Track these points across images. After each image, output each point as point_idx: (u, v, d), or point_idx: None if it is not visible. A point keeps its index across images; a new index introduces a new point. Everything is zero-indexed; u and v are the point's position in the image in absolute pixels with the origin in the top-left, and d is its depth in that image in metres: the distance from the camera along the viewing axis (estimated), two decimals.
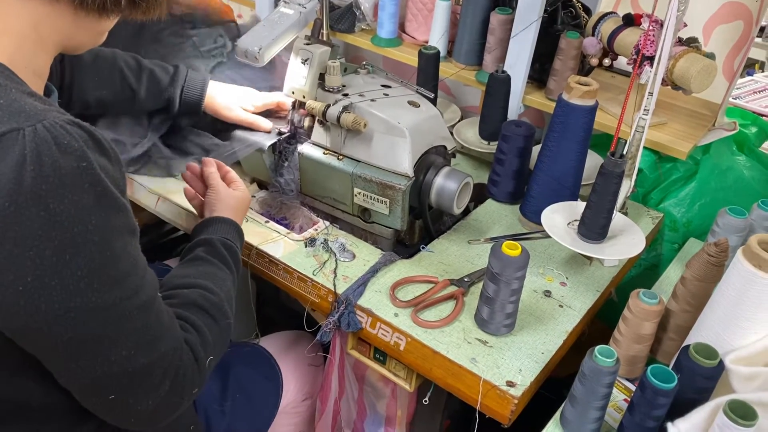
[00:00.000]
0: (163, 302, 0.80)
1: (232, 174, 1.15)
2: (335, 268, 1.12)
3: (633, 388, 0.95)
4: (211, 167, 1.13)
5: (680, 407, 0.79)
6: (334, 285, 1.08)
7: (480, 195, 1.36)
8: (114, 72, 1.22)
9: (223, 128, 1.32)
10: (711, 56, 1.26)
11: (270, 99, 1.31)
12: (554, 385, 1.19)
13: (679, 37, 1.26)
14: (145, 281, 0.74)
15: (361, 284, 1.08)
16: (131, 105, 1.25)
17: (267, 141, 1.27)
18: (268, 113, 1.33)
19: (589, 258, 1.18)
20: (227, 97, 1.30)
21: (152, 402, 0.76)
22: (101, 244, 0.67)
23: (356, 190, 1.18)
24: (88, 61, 1.18)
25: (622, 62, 1.40)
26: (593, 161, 1.31)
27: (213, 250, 0.97)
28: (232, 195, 1.10)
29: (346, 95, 1.19)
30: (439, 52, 1.38)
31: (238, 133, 1.31)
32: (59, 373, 0.73)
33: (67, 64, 1.16)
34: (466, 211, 1.28)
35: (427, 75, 1.38)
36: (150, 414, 0.78)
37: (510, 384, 0.93)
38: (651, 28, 1.21)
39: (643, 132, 1.14)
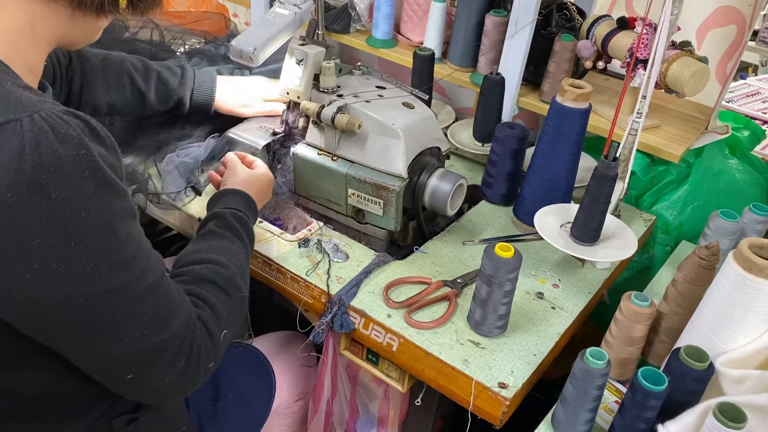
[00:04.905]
0: (175, 280, 0.81)
1: (252, 159, 1.17)
2: (329, 269, 1.12)
3: (624, 390, 0.96)
4: (232, 155, 1.16)
5: (671, 409, 0.79)
6: (328, 286, 1.08)
7: (473, 196, 1.37)
8: (122, 75, 1.22)
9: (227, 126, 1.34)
10: (704, 60, 1.26)
11: (278, 98, 1.34)
12: (546, 387, 1.20)
13: (672, 41, 1.27)
14: (151, 262, 0.75)
15: (355, 285, 1.08)
16: (141, 108, 1.26)
17: (261, 141, 1.27)
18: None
19: (582, 260, 1.18)
20: (240, 95, 1.33)
21: (169, 379, 0.77)
22: (105, 229, 0.68)
23: (350, 191, 1.18)
24: (96, 66, 1.19)
25: (615, 65, 1.40)
26: (586, 163, 1.32)
27: (224, 222, 0.97)
28: (246, 171, 1.11)
29: (340, 96, 1.19)
30: (433, 54, 1.38)
31: (231, 134, 1.31)
32: (74, 357, 0.74)
33: (76, 70, 1.16)
34: (460, 213, 1.28)
35: (421, 76, 1.39)
36: (169, 390, 0.79)
37: (502, 385, 0.93)
38: (645, 31, 1.21)
39: (636, 135, 1.15)
